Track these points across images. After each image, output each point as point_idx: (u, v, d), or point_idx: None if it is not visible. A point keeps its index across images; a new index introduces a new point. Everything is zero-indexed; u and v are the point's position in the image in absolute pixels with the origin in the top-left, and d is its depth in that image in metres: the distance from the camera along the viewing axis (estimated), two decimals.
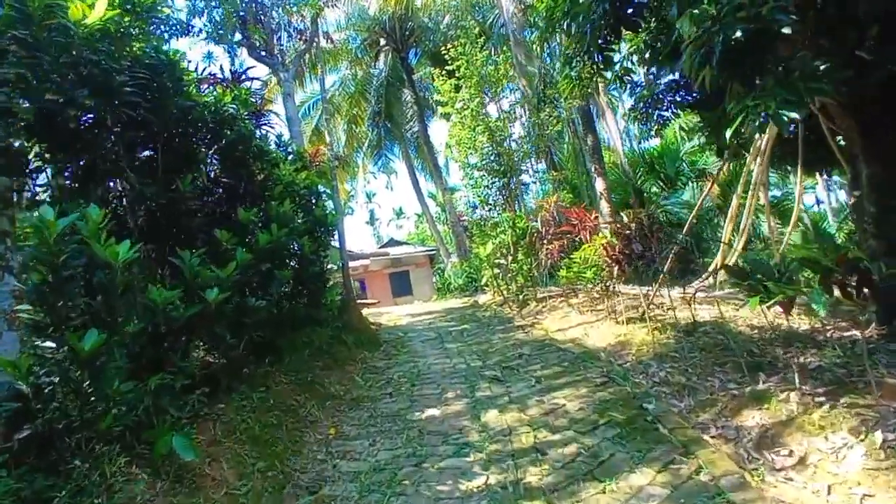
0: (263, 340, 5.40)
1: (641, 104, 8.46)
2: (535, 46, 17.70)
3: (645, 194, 16.00)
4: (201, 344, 4.67)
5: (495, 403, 4.81)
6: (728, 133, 3.19)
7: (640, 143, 22.35)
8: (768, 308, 4.28)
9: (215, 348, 4.43)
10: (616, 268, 6.47)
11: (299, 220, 6.62)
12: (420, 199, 26.48)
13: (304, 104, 24.51)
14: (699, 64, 3.14)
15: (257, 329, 4.93)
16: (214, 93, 5.27)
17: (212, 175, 5.32)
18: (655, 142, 22.38)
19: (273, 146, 8.29)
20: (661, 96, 8.37)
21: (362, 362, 7.60)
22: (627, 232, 6.50)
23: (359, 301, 13.38)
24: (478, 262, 16.36)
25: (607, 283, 7.67)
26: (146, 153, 4.56)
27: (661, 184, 18.64)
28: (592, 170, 11.88)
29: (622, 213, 6.78)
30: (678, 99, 8.11)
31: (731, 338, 5.70)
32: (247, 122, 5.50)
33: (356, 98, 23.73)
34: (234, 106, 5.55)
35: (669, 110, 8.51)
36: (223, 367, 4.44)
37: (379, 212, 74.81)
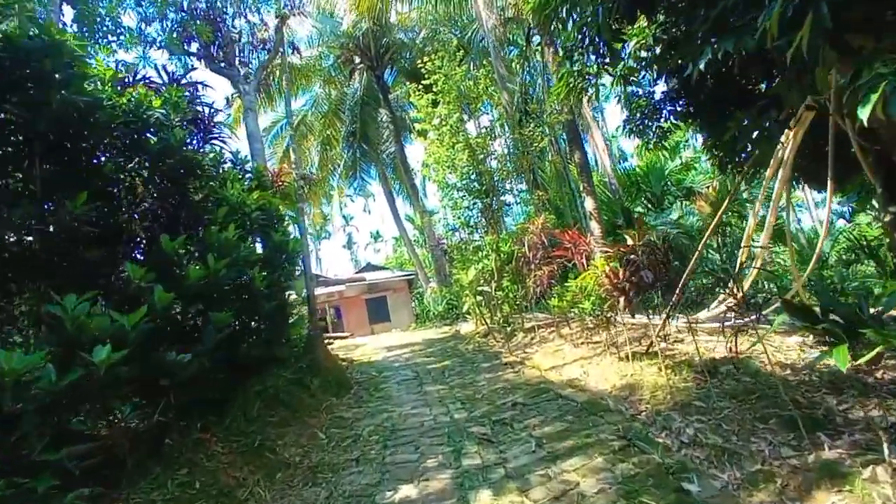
0: (196, 399, 4.31)
1: (638, 114, 7.72)
2: (514, 64, 17.17)
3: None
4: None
5: (488, 479, 3.78)
6: (864, 112, 2.21)
7: (620, 162, 21.90)
8: (833, 355, 3.40)
9: (113, 422, 3.33)
10: (622, 298, 5.57)
11: (250, 248, 5.58)
12: (397, 222, 25.52)
13: (277, 124, 23.55)
14: (787, 26, 2.26)
15: (182, 389, 3.85)
16: (135, 94, 4.26)
17: (124, 195, 4.25)
18: (635, 161, 21.99)
19: (229, 164, 7.29)
20: (659, 106, 7.64)
21: (328, 412, 6.50)
22: (633, 257, 5.63)
23: (329, 335, 12.24)
24: (458, 289, 15.42)
25: (608, 314, 6.76)
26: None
27: (648, 203, 18.06)
28: (581, 188, 11.10)
29: (625, 235, 5.90)
30: (678, 108, 7.38)
31: (762, 381, 4.83)
32: (178, 129, 4.49)
33: (330, 118, 22.85)
34: (162, 111, 4.54)
35: (668, 121, 7.79)
36: (128, 446, 3.34)
37: (357, 236, 73.57)
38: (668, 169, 18.87)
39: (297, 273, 8.88)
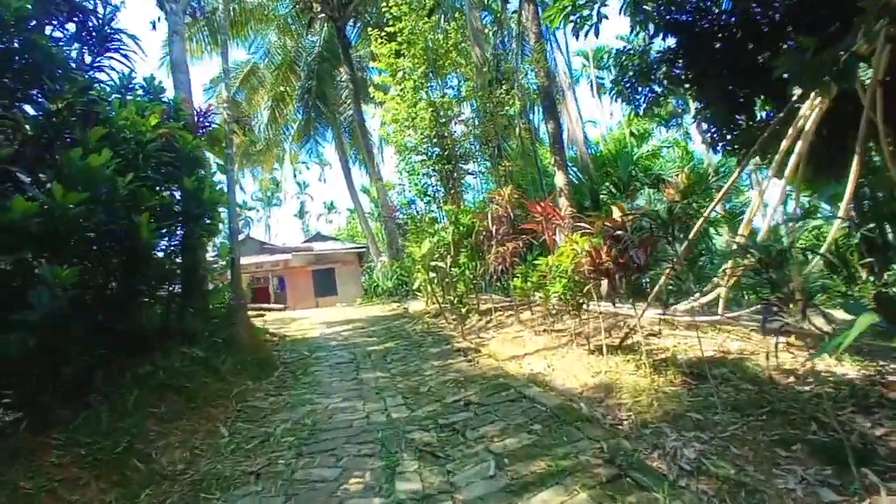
0: (29, 390, 3.05)
1: (630, 75, 6.75)
2: (487, 31, 15.92)
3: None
4: None
5: None
6: None
7: (588, 148, 21.20)
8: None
9: None
10: (605, 282, 4.61)
11: (140, 191, 4.26)
12: (351, 192, 23.99)
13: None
14: None
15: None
16: None
17: None
18: (601, 148, 21.30)
19: (142, 93, 5.86)
20: (652, 67, 6.69)
21: (239, 399, 5.30)
22: (620, 233, 4.67)
23: (258, 307, 10.87)
24: (410, 263, 14.35)
25: (579, 300, 5.84)
26: None
27: (613, 188, 17.42)
28: (553, 161, 10.16)
29: (613, 207, 4.93)
30: (675, 72, 6.45)
31: (767, 390, 4.01)
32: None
33: (284, 72, 20.94)
34: None
35: (661, 86, 6.86)
36: None
37: (311, 205, 70.90)
38: (636, 155, 18.29)
39: (223, 233, 7.54)
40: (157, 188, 5.36)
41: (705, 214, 4.89)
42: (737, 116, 6.28)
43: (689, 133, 34.07)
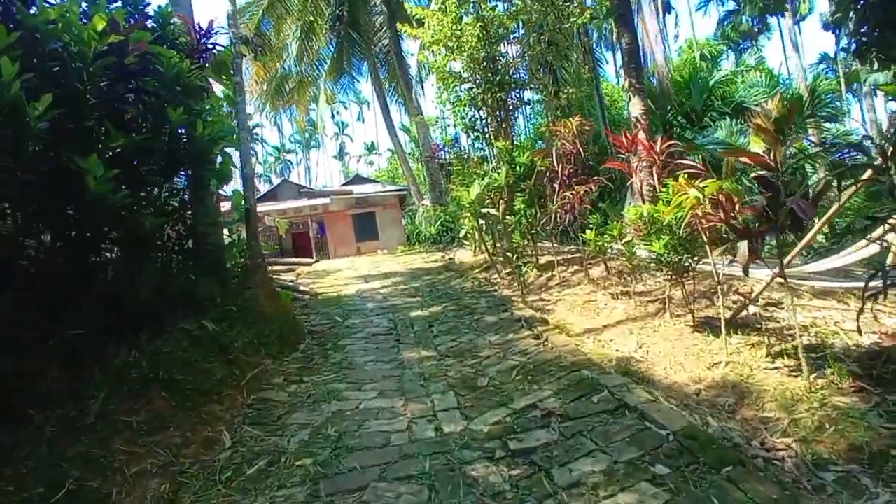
0: None
1: None
2: None
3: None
4: None
5: None
6: None
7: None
8: None
9: None
10: (744, 244, 3.17)
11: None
12: (390, 131, 22.46)
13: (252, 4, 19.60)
14: None
15: None
16: None
17: None
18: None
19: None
20: None
21: (253, 389, 4.28)
22: (768, 176, 3.17)
23: (285, 261, 9.83)
24: (455, 208, 13.00)
25: (686, 263, 4.42)
26: None
27: (683, 120, 15.23)
28: (626, 85, 8.37)
29: (754, 140, 3.39)
30: None
31: None
32: None
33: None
34: None
35: None
36: None
37: (350, 146, 69.67)
38: (711, 80, 15.84)
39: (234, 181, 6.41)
40: (134, 124, 4.17)
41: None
42: None
43: (764, 57, 30.14)
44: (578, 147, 6.85)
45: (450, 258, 11.72)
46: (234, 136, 6.29)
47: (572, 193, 6.47)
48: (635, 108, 8.23)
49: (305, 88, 24.29)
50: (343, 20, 19.03)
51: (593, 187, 6.56)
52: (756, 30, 28.86)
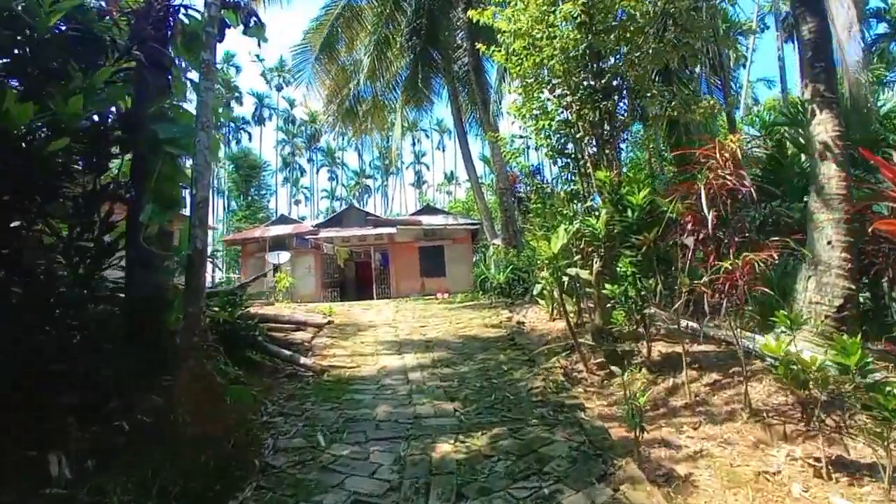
0: None
1: None
2: None
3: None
4: None
5: None
6: None
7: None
8: None
9: None
10: None
11: None
12: (466, 158, 20.15)
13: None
14: None
15: None
16: None
17: None
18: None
19: None
20: None
21: None
22: None
23: (279, 323, 7.26)
24: (530, 254, 10.31)
25: None
26: None
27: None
28: (807, 92, 5.39)
29: None
30: None
31: None
32: None
33: (389, 9, 17.34)
34: None
35: None
36: None
37: (428, 174, 68.88)
38: (881, 105, 12.05)
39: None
40: None
41: None
42: None
43: None
44: (740, 178, 3.98)
45: (518, 322, 8.94)
46: (188, 140, 4.11)
47: (742, 262, 3.60)
48: (824, 127, 5.21)
49: (380, 112, 22.75)
50: (421, 35, 17.18)
51: (775, 255, 3.67)
52: None
